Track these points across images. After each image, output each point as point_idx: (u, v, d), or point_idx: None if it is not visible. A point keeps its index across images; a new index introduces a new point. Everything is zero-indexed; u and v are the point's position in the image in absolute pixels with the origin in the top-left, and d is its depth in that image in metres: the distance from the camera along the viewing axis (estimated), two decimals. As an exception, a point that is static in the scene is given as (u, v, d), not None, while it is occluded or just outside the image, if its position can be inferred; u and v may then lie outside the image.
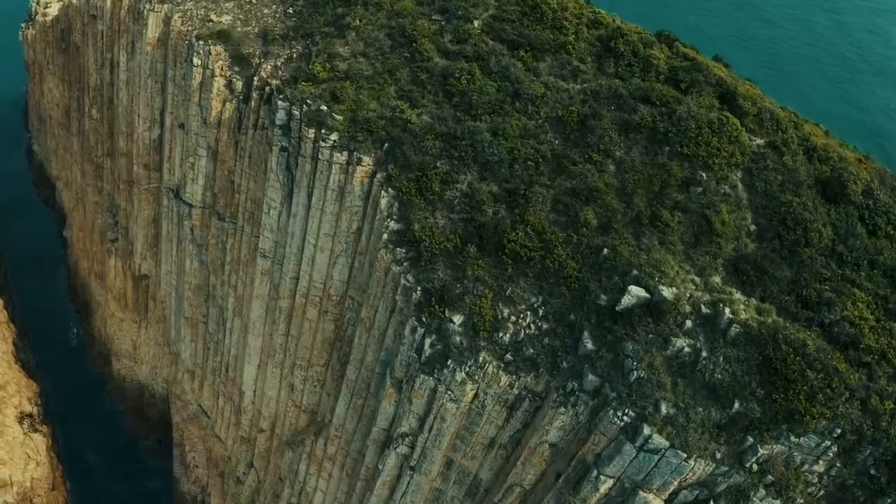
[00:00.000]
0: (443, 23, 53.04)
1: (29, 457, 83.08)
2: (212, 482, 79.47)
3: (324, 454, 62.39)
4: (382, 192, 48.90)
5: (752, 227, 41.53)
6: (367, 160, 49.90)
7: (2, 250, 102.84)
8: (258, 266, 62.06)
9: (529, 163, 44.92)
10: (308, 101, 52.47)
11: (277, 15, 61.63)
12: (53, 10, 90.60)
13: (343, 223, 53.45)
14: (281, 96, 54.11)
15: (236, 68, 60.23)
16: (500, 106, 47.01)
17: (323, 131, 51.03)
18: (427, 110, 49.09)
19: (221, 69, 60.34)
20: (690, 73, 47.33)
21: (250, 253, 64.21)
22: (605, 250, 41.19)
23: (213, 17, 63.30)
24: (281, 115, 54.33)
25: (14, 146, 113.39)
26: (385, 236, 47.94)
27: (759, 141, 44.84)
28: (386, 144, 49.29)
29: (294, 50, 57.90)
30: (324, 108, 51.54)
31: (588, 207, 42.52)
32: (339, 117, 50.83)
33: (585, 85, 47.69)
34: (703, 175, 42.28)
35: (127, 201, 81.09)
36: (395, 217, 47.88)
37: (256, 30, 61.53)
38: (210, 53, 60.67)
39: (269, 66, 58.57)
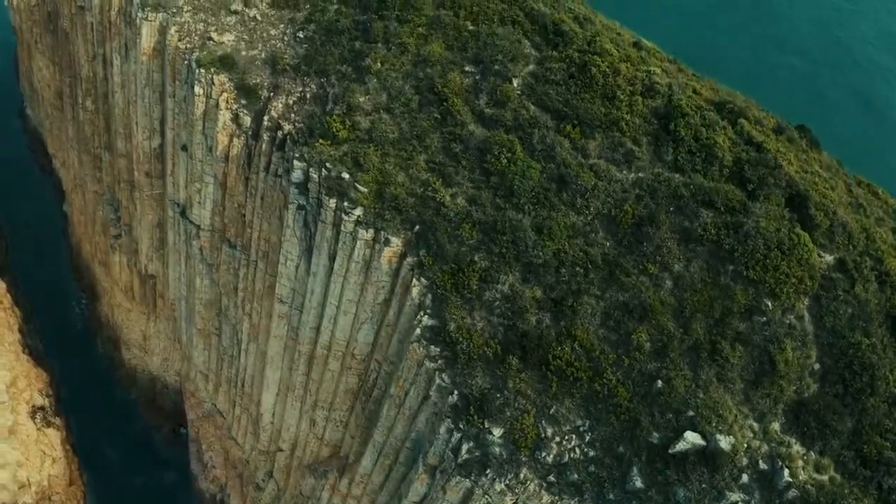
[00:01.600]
0: (477, 76, 47.79)
1: (45, 453, 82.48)
2: (231, 483, 79.21)
3: (348, 492, 61.50)
4: (414, 279, 45.51)
5: (817, 367, 38.66)
6: (396, 241, 46.22)
7: (0, 223, 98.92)
8: (276, 309, 59.17)
9: (578, 268, 41.33)
10: (328, 164, 48.15)
11: (286, 38, 55.96)
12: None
13: (369, 294, 50.23)
14: (297, 155, 49.63)
15: (243, 101, 55.32)
16: (545, 195, 42.86)
17: (346, 204, 47.06)
18: (462, 190, 44.95)
19: (227, 102, 55.46)
20: (758, 168, 42.90)
21: (265, 288, 61.09)
22: (660, 382, 38.40)
23: (213, 35, 57.62)
24: (297, 174, 50.16)
25: (6, 107, 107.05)
26: (418, 331, 44.93)
27: (829, 258, 41.16)
28: (417, 227, 45.45)
29: (307, 88, 52.79)
30: (346, 175, 47.34)
31: (641, 328, 39.38)
32: (364, 189, 46.72)
33: (641, 174, 43.34)
34: (769, 304, 38.91)
35: (129, 200, 77.09)
36: (428, 311, 44.72)
37: (263, 55, 56.09)
38: (213, 83, 55.57)
39: (279, 104, 53.64)
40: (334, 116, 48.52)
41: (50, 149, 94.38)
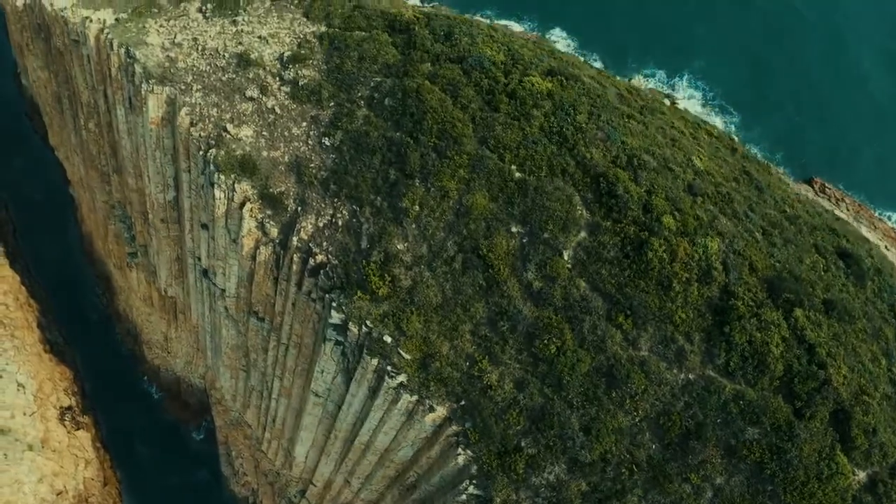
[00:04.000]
0: (524, 240, 45.00)
1: (77, 457, 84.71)
2: (262, 490, 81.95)
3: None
4: (460, 448, 45.28)
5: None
6: (441, 410, 45.52)
7: (5, 202, 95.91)
8: (310, 397, 58.93)
9: (623, 469, 41.13)
10: (368, 321, 46.45)
11: (311, 142, 52.17)
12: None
13: (410, 434, 49.99)
14: (334, 305, 47.64)
15: (268, 211, 52.49)
16: (594, 392, 41.89)
17: (389, 368, 45.90)
18: (509, 371, 43.78)
19: (251, 212, 52.65)
20: (807, 383, 41.75)
21: (298, 370, 60.58)
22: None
23: (229, 127, 53.86)
24: (336, 319, 48.48)
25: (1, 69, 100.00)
26: (463, 497, 45.26)
27: (861, 475, 41.14)
28: (462, 401, 44.61)
29: (339, 213, 49.91)
30: (388, 339, 45.90)
31: (680, 532, 39.85)
32: (408, 356, 45.39)
33: (691, 376, 42.12)
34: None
35: (143, 226, 74.62)
36: (474, 482, 44.83)
37: (286, 158, 52.64)
38: (235, 189, 52.57)
39: (308, 224, 51.00)
40: (372, 266, 46.23)
41: (51, 140, 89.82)
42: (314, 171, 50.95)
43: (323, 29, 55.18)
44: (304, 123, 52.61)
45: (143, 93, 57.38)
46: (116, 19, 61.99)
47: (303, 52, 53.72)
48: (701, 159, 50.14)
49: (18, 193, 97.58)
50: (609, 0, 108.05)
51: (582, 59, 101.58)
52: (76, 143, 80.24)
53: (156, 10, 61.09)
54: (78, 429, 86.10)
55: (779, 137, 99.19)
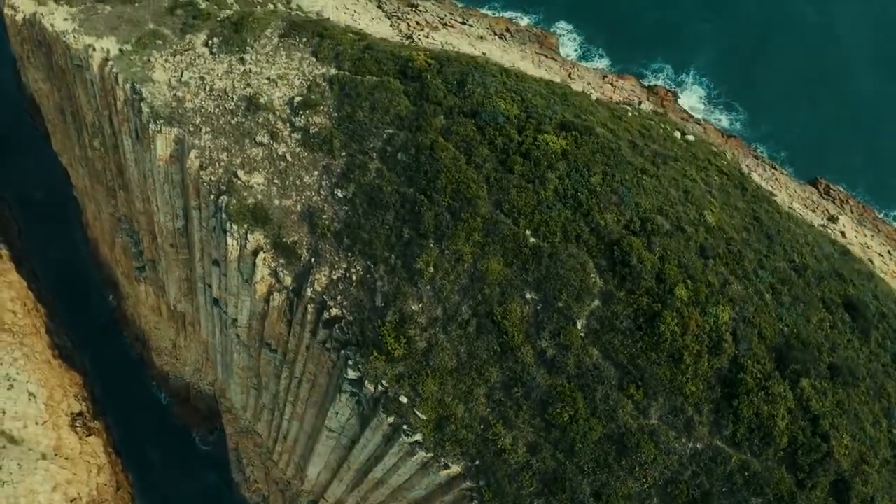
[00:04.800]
0: (538, 307, 45.34)
1: (90, 463, 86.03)
2: (273, 497, 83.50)
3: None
4: (474, 503, 46.25)
5: None
6: (456, 467, 46.40)
7: (8, 201, 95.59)
8: (324, 432, 59.76)
9: (634, 534, 42.28)
10: (384, 381, 47.06)
11: (323, 192, 52.11)
12: (20, 3, 73.66)
13: (425, 480, 50.99)
14: (351, 363, 48.16)
15: (282, 260, 52.65)
16: (605, 459, 42.71)
17: (405, 427, 46.65)
18: (522, 435, 44.60)
19: (265, 261, 52.82)
20: (811, 454, 42.63)
21: (311, 401, 61.27)
22: None
23: (240, 173, 53.74)
24: (351, 375, 49.03)
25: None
26: (478, 548, 46.42)
27: None
28: (477, 461, 45.45)
29: (353, 268, 50.10)
30: (404, 399, 46.56)
31: None
32: (423, 416, 46.12)
33: (699, 446, 42.95)
34: None
35: (151, 245, 74.69)
36: (488, 535, 45.93)
37: (299, 207, 52.64)
38: (247, 238, 52.66)
39: (322, 277, 51.24)
40: (388, 327, 46.63)
41: (54, 146, 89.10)
42: (327, 222, 50.97)
43: (333, 71, 54.62)
44: (316, 172, 52.45)
45: (150, 132, 57.02)
46: (120, 50, 61.25)
47: (313, 97, 53.26)
48: (713, 211, 50.28)
49: (21, 192, 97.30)
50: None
51: (587, 63, 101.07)
52: (80, 155, 79.79)
53: (160, 42, 60.39)
54: (89, 435, 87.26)
55: (784, 135, 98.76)
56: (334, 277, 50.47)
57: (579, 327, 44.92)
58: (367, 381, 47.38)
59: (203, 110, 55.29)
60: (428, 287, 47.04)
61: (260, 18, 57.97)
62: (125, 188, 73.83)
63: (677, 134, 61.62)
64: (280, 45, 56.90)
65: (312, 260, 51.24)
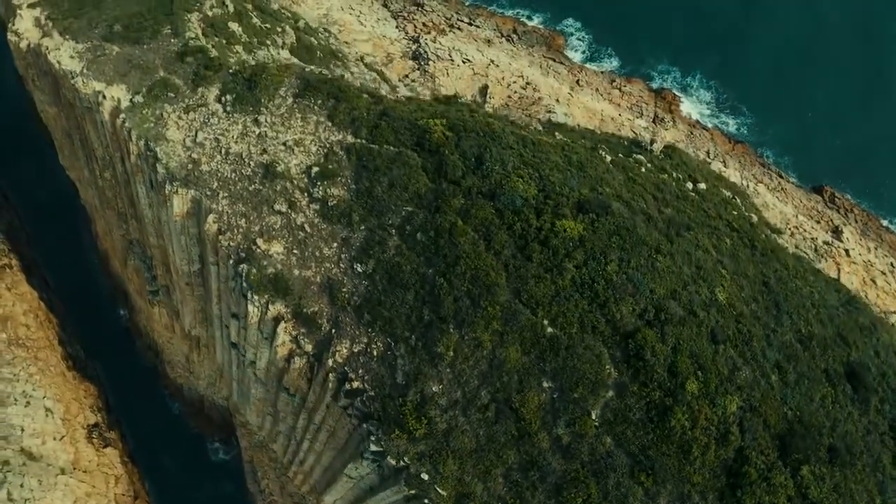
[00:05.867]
0: (555, 395, 46.72)
1: (108, 475, 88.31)
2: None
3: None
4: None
5: None
6: (476, 538, 48.34)
7: (15, 208, 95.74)
8: (342, 477, 61.55)
9: None
10: (406, 458, 48.65)
11: (342, 265, 52.83)
12: (24, 30, 72.63)
13: (445, 541, 52.89)
14: (373, 438, 49.62)
15: (303, 329, 53.70)
16: (617, 545, 44.72)
17: (426, 501, 48.40)
18: (539, 513, 46.43)
19: (286, 330, 53.84)
20: None
21: (330, 445, 62.90)
22: None
23: (260, 241, 54.34)
24: (373, 448, 50.55)
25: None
26: None
27: None
28: (496, 532, 47.45)
29: (373, 344, 51.16)
30: (425, 476, 48.25)
31: None
32: (444, 493, 47.88)
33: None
34: None
35: (164, 275, 75.44)
36: None
37: (319, 279, 53.46)
38: (268, 308, 53.59)
39: (343, 349, 52.37)
40: (409, 406, 48.02)
41: (61, 160, 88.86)
42: (347, 295, 51.87)
43: (350, 139, 54.78)
44: (335, 244, 53.10)
45: (166, 191, 57.35)
46: (132, 101, 61.06)
47: (330, 166, 53.55)
48: (724, 286, 51.45)
49: (28, 198, 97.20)
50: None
51: (595, 64, 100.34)
52: (89, 177, 79.81)
53: (172, 95, 60.20)
54: (106, 446, 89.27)
55: (790, 141, 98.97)
56: (355, 350, 51.60)
57: (594, 417, 46.54)
58: (388, 457, 48.92)
59: (219, 174, 55.58)
60: (448, 370, 48.29)
61: (273, 75, 57.72)
62: (138, 219, 74.17)
63: (689, 185, 62.17)
64: (295, 106, 56.86)
65: (333, 331, 52.25)
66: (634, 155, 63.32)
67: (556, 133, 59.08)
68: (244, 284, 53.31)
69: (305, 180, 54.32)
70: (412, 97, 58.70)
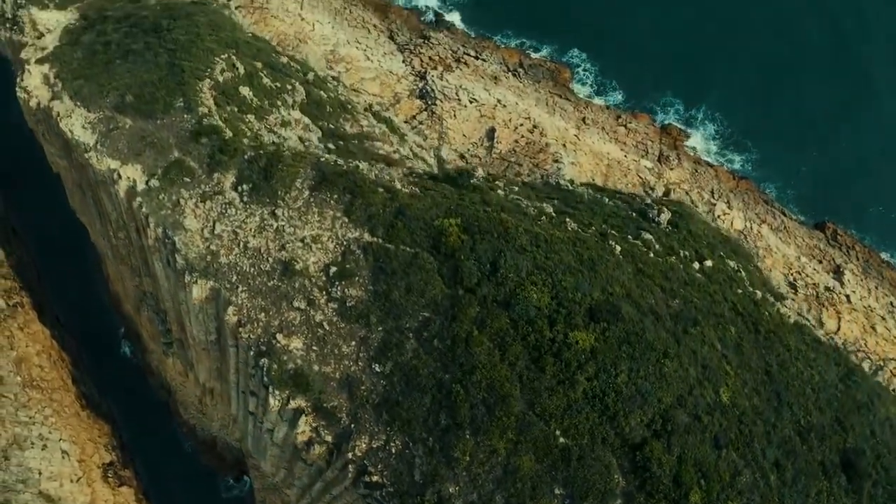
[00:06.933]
0: (566, 502, 48.85)
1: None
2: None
3: None
4: None
5: None
6: None
7: (24, 242, 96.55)
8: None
9: None
10: (427, 568, 50.89)
11: (361, 363, 54.44)
12: (33, 87, 73.12)
13: None
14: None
15: (323, 422, 55.47)
16: None
17: None
18: None
19: (307, 422, 55.61)
20: None
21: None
22: None
23: (279, 337, 55.89)
24: (392, 542, 52.69)
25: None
26: None
27: None
28: None
29: (392, 442, 53.01)
30: (443, 575, 50.34)
31: None
32: None
33: None
34: None
35: (179, 329, 76.82)
36: None
37: (338, 375, 55.14)
38: (289, 402, 55.28)
39: (363, 444, 54.14)
40: None
41: (72, 203, 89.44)
42: (365, 393, 53.56)
43: (367, 237, 56.03)
44: (354, 343, 54.62)
45: (186, 280, 58.61)
46: (147, 184, 61.90)
47: (348, 266, 54.89)
48: (728, 385, 53.39)
49: (36, 230, 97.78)
50: (628, 25, 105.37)
51: (601, 98, 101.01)
52: (101, 230, 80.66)
53: (188, 180, 61.08)
54: (121, 485, 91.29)
55: (795, 174, 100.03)
56: (374, 446, 53.41)
57: (604, 530, 48.83)
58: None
59: (239, 268, 56.85)
60: (464, 473, 50.23)
61: (289, 165, 58.73)
62: (152, 278, 75.37)
63: (696, 265, 63.63)
64: (311, 199, 57.96)
65: (353, 426, 53.98)
66: (642, 235, 64.66)
67: (568, 221, 60.28)
68: (265, 378, 54.86)
69: (324, 279, 55.68)
70: (425, 192, 59.64)
